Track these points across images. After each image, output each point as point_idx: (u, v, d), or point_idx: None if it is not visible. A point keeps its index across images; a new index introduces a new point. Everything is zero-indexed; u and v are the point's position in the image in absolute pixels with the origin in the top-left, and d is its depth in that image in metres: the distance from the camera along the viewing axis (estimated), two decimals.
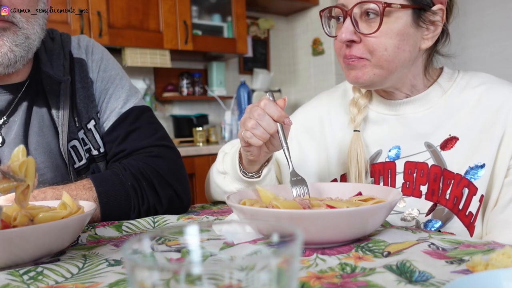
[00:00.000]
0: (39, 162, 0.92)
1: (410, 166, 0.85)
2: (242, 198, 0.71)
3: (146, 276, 0.26)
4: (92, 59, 1.00)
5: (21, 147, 0.58)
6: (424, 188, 0.83)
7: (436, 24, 0.81)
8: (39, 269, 0.54)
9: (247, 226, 0.36)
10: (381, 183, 0.88)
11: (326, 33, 0.87)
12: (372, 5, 0.77)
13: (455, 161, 0.82)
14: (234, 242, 0.40)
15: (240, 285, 0.27)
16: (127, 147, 0.95)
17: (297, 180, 0.75)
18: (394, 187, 0.86)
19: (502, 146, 0.79)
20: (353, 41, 0.80)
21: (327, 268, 0.51)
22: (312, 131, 1.00)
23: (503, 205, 0.77)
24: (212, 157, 2.66)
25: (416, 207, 0.83)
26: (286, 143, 0.77)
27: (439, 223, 0.81)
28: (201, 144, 3.01)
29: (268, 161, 0.87)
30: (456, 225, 0.80)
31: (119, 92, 1.00)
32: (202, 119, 3.21)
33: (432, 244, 0.57)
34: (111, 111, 0.98)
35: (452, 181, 0.81)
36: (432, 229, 0.81)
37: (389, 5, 0.76)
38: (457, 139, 0.83)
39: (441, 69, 0.90)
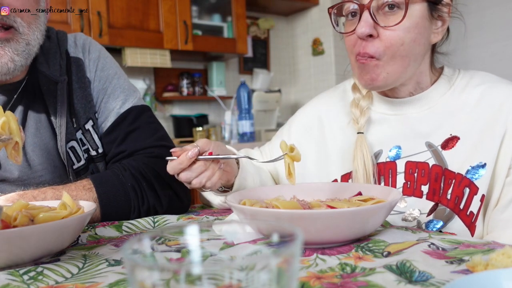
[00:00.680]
0: (37, 163, 0.92)
1: (411, 166, 0.85)
2: (242, 198, 0.71)
3: (146, 276, 0.26)
4: (89, 58, 0.99)
5: None
6: (425, 188, 0.83)
7: (444, 18, 0.82)
8: (39, 269, 0.54)
9: (247, 226, 0.36)
10: (382, 183, 0.88)
11: (336, 30, 0.86)
12: None
13: (456, 161, 0.81)
14: (234, 242, 0.40)
15: (240, 285, 0.26)
16: (127, 148, 0.94)
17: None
18: (395, 187, 0.86)
19: (503, 146, 0.79)
20: (370, 36, 0.79)
21: (327, 268, 0.50)
22: (311, 131, 1.00)
23: (504, 205, 0.77)
24: None
25: (417, 207, 0.83)
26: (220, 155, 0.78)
27: (440, 223, 0.80)
28: None
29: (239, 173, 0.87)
30: (457, 225, 0.80)
31: (118, 91, 0.98)
32: (202, 119, 3.21)
33: (432, 244, 0.57)
34: (110, 111, 0.97)
35: (453, 181, 0.81)
36: (434, 229, 0.80)
37: None
38: (458, 138, 0.83)
39: (441, 68, 0.90)
